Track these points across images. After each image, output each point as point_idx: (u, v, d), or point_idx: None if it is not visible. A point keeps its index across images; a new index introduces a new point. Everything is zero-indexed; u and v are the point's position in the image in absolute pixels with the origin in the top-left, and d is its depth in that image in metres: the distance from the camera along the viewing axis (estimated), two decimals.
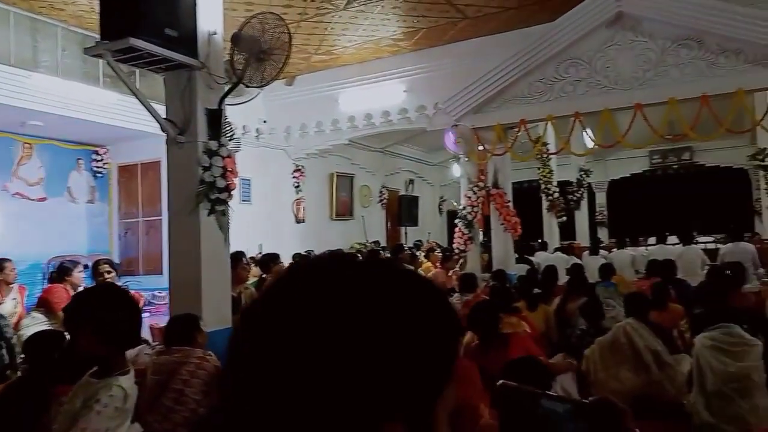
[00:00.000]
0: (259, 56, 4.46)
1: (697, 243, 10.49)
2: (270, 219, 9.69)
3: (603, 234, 15.14)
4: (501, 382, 0.75)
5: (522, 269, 7.87)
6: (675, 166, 15.91)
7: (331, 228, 11.30)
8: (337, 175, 11.60)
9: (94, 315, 1.91)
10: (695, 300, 4.92)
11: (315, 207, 10.95)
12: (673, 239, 10.71)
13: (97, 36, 3.75)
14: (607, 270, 7.29)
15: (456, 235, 7.98)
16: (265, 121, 9.79)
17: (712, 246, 10.35)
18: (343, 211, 11.79)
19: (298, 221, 10.30)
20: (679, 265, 8.21)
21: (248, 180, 9.31)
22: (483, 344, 3.60)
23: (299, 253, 7.35)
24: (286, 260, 7.45)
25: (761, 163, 10.85)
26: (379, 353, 0.51)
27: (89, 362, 1.94)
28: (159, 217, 9.07)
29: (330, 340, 0.50)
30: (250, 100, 5.23)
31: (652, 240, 11.29)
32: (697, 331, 3.78)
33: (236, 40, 4.49)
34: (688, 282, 6.62)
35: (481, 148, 7.70)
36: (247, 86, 4.62)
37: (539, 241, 10.80)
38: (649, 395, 3.79)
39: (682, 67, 6.76)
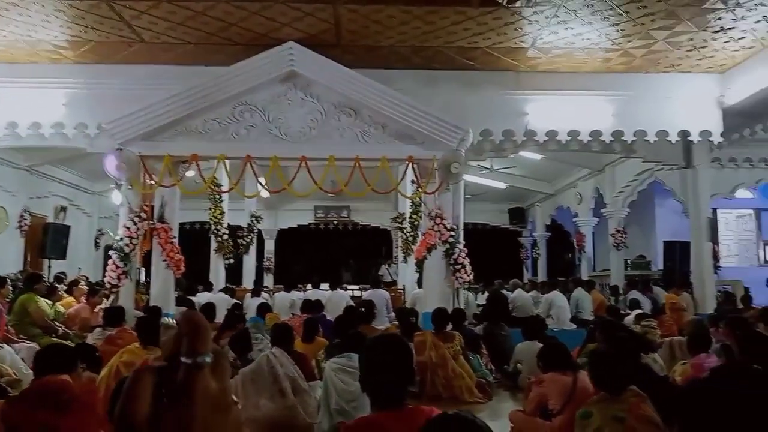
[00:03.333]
0: None
1: (345, 289, 11.81)
2: None
3: (269, 279, 15.79)
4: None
5: (181, 310, 7.60)
6: (335, 222, 17.74)
7: None
8: None
9: None
10: (333, 332, 5.47)
11: None
12: (326, 285, 11.86)
13: None
14: (263, 307, 7.65)
15: (109, 268, 7.25)
16: None
17: (358, 292, 11.72)
18: None
19: None
20: (329, 307, 9.13)
21: None
22: None
23: None
24: None
25: (400, 225, 12.88)
26: None
27: None
28: None
29: None
30: None
31: (309, 286, 12.21)
32: (330, 357, 4.18)
33: None
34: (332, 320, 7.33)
35: (151, 181, 7.31)
36: None
37: (208, 282, 10.68)
38: (285, 419, 3.99)
39: (342, 131, 7.63)
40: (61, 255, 11.55)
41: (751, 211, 14.05)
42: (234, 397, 0.57)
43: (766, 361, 3.56)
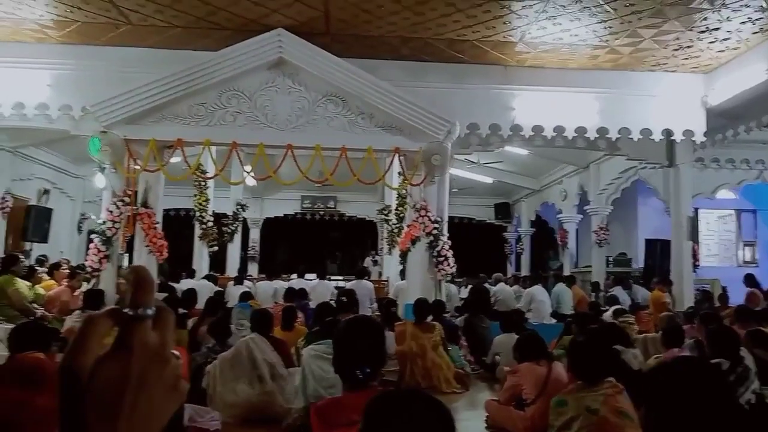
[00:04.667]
0: None
1: (330, 279, 11.84)
2: None
3: (254, 268, 15.76)
4: None
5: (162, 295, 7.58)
6: (322, 212, 17.71)
7: None
8: None
9: None
10: (315, 320, 5.50)
11: None
12: (311, 276, 11.88)
13: None
14: (245, 295, 7.66)
15: (91, 252, 7.21)
16: None
17: (342, 283, 11.76)
18: None
19: None
20: (313, 296, 9.18)
21: None
22: None
23: None
24: None
25: (385, 218, 12.90)
26: None
27: None
28: None
29: None
30: None
31: (294, 276, 12.23)
32: (309, 344, 4.20)
33: None
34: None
35: (135, 166, 7.25)
36: None
37: (191, 269, 10.65)
38: (262, 404, 4.01)
39: (329, 120, 7.63)
40: (43, 238, 11.45)
41: (732, 212, 14.24)
42: (175, 353, 0.58)
43: (733, 354, 3.65)
